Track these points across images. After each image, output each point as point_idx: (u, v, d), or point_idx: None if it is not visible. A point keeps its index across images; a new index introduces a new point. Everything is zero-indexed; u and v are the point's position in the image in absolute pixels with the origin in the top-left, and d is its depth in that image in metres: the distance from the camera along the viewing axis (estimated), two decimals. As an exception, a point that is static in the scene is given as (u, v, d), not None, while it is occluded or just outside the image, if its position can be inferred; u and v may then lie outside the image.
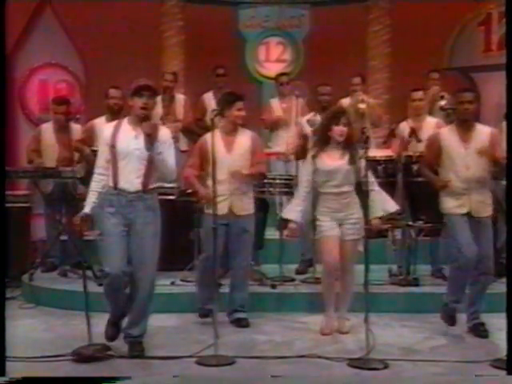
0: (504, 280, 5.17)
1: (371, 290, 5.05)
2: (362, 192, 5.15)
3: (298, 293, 6.12)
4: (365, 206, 5.10)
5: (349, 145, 5.25)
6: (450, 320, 5.30)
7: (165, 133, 4.78)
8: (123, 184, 4.63)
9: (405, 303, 5.99)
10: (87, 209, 4.69)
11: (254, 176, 5.51)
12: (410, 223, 6.16)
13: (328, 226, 5.22)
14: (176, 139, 6.96)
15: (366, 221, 5.08)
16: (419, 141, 6.15)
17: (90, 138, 6.47)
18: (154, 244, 4.71)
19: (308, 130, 6.52)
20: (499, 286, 5.55)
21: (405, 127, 6.52)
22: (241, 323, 5.49)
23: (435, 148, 5.32)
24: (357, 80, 7.57)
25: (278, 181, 6.27)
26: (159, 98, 7.30)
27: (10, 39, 7.60)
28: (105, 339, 4.77)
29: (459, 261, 5.15)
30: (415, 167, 5.96)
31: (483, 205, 5.22)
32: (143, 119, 4.61)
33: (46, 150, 6.92)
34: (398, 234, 6.49)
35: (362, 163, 5.17)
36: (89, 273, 6.04)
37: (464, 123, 5.24)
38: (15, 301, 6.23)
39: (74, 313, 5.52)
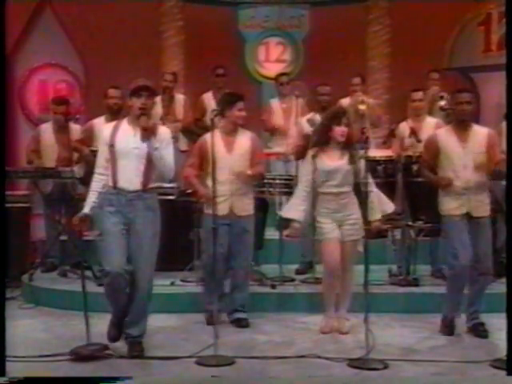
0: (504, 280, 5.18)
1: (371, 290, 5.05)
2: (361, 192, 5.16)
3: (298, 293, 6.12)
4: (362, 206, 5.10)
5: (348, 145, 5.26)
6: (448, 330, 5.30)
7: (164, 131, 4.79)
8: (123, 183, 4.64)
9: (405, 303, 5.98)
10: (86, 209, 4.69)
11: (256, 177, 5.53)
12: (410, 223, 6.16)
13: (329, 228, 5.22)
14: (176, 139, 6.97)
15: (365, 222, 5.08)
16: (419, 141, 6.14)
17: (89, 138, 6.47)
18: (153, 244, 4.71)
19: (308, 129, 6.51)
20: (499, 286, 5.55)
21: (405, 127, 6.52)
22: (241, 323, 5.49)
23: (433, 149, 5.32)
24: (356, 80, 7.57)
25: (277, 181, 6.27)
26: (159, 98, 7.32)
27: (9, 39, 7.60)
28: (107, 340, 4.76)
29: (454, 268, 5.18)
30: (415, 167, 5.96)
31: (482, 204, 5.22)
32: (141, 115, 4.62)
33: (45, 151, 6.92)
34: (397, 234, 6.49)
35: (362, 164, 5.18)
36: (89, 273, 6.06)
37: (461, 123, 5.25)
38: (15, 301, 6.22)
39: (74, 313, 5.51)
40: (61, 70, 9.35)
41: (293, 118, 7.37)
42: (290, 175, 6.50)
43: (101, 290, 4.86)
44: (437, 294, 5.64)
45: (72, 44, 9.30)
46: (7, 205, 6.11)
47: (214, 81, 8.01)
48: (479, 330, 5.23)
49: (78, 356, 4.61)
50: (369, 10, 9.62)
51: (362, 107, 6.36)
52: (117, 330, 4.79)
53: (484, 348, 4.98)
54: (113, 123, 4.86)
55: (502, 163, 5.06)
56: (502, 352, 4.48)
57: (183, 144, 7.70)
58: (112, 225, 4.62)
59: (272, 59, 10.19)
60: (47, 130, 6.98)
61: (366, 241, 4.97)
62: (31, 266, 6.71)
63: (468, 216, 5.18)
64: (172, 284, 6.15)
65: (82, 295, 4.87)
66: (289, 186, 6.18)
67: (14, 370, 4.27)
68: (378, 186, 5.39)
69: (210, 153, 5.00)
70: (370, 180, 5.18)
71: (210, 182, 5.05)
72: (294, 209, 5.34)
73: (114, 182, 4.65)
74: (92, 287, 5.60)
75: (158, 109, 7.36)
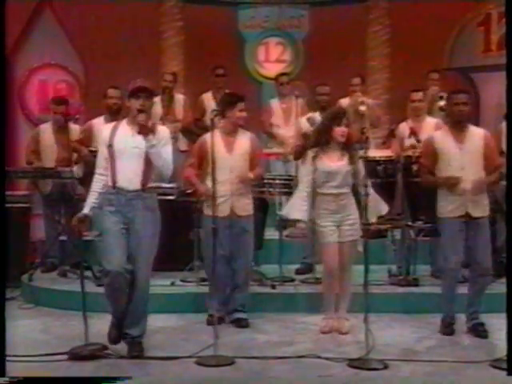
0: (504, 280, 5.18)
1: (371, 290, 5.06)
2: (358, 193, 5.17)
3: (298, 293, 6.11)
4: (359, 207, 5.11)
5: (348, 145, 5.26)
6: (448, 330, 5.30)
7: (163, 130, 4.81)
8: (122, 183, 4.64)
9: (404, 303, 5.98)
10: (86, 209, 4.70)
11: (257, 179, 5.55)
12: (410, 223, 6.16)
13: (329, 231, 5.21)
14: (175, 139, 6.98)
15: (364, 222, 5.07)
16: (419, 141, 6.14)
17: (88, 138, 6.47)
18: (152, 244, 4.71)
19: (307, 128, 6.51)
20: (499, 286, 5.55)
21: (404, 128, 6.52)
22: (241, 323, 5.49)
23: (431, 151, 5.32)
24: (356, 80, 7.57)
25: (277, 181, 6.27)
26: (159, 98, 7.32)
27: (9, 39, 7.61)
28: (108, 342, 4.75)
29: (444, 271, 5.27)
30: (415, 167, 5.96)
31: (480, 205, 5.21)
32: (139, 112, 4.61)
33: (44, 151, 6.91)
34: (397, 234, 6.49)
35: (360, 165, 5.18)
36: (89, 273, 6.05)
37: (458, 124, 5.25)
38: (14, 301, 6.22)
39: (74, 313, 5.49)
40: (60, 70, 9.35)
41: (293, 118, 7.38)
42: (289, 175, 6.51)
43: (100, 290, 4.86)
44: (436, 294, 5.62)
45: (72, 44, 9.31)
46: (7, 205, 6.10)
47: (214, 81, 8.01)
48: (479, 330, 5.23)
49: (76, 356, 4.62)
50: (369, 10, 9.61)
51: (363, 108, 6.37)
52: (117, 331, 4.78)
53: (484, 348, 4.98)
54: (112, 124, 4.87)
55: (502, 166, 5.08)
56: (502, 352, 4.48)
57: (183, 144, 7.70)
58: (112, 224, 4.62)
59: (272, 59, 10.18)
60: (46, 130, 6.98)
61: (366, 241, 4.97)
62: (31, 266, 6.72)
63: (467, 217, 5.18)
64: (172, 284, 6.15)
65: (81, 295, 4.87)
66: (288, 186, 6.19)
67: (14, 370, 4.26)
68: (378, 186, 5.40)
69: (210, 153, 5.00)
70: (368, 182, 5.18)
71: (209, 182, 5.05)
72: (297, 209, 5.32)
73: (114, 181, 4.65)
74: (92, 287, 5.60)
75: (158, 109, 7.37)
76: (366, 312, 4.77)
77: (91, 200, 4.70)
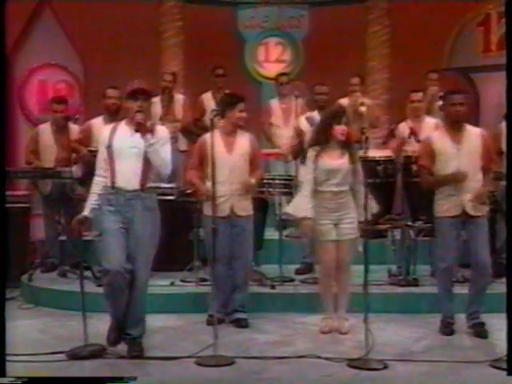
0: (504, 280, 5.17)
1: (370, 290, 5.05)
2: (356, 192, 5.18)
3: (298, 293, 6.11)
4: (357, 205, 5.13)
5: (347, 144, 5.26)
6: (448, 330, 5.31)
7: (162, 130, 4.82)
8: (121, 183, 4.64)
9: (404, 303, 5.98)
10: (86, 211, 4.71)
11: (259, 181, 5.57)
12: (410, 223, 6.15)
13: (327, 230, 5.22)
14: (175, 139, 6.97)
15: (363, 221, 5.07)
16: (418, 141, 6.14)
17: (86, 138, 6.48)
18: (151, 244, 4.71)
19: (307, 127, 6.51)
20: (499, 286, 5.54)
21: (404, 128, 6.52)
22: (240, 323, 5.49)
23: (429, 152, 5.32)
24: (355, 80, 7.57)
25: (277, 181, 6.27)
26: (158, 98, 7.32)
27: (9, 39, 7.59)
28: (107, 344, 4.75)
29: (438, 270, 5.31)
30: (414, 167, 5.95)
31: (477, 204, 5.21)
32: (137, 111, 4.62)
33: (44, 151, 6.91)
34: (397, 234, 6.49)
35: (359, 164, 5.19)
36: (88, 273, 6.05)
37: (455, 125, 5.26)
38: (14, 301, 6.22)
39: (73, 313, 5.49)
40: (60, 70, 9.35)
41: (292, 118, 7.37)
42: (289, 175, 6.51)
43: (100, 290, 4.86)
44: (436, 295, 5.62)
45: (71, 44, 9.31)
46: (7, 205, 6.10)
47: (214, 81, 8.00)
48: (479, 330, 5.23)
49: (76, 356, 4.61)
50: (368, 11, 9.60)
51: (363, 109, 6.37)
52: (117, 333, 4.78)
53: (484, 348, 4.99)
54: (111, 125, 4.88)
55: (499, 164, 5.09)
56: (502, 352, 4.48)
57: (183, 144, 7.69)
58: (111, 224, 4.63)
59: (272, 59, 10.18)
60: (46, 130, 6.97)
61: (366, 241, 4.97)
62: (31, 266, 6.71)
63: (464, 216, 5.18)
64: (172, 284, 6.15)
65: (81, 295, 4.87)
66: (288, 186, 6.19)
67: (14, 370, 4.26)
68: (378, 186, 5.39)
69: (210, 153, 5.00)
70: (362, 180, 5.18)
71: (209, 183, 5.05)
72: (302, 207, 5.28)
73: (113, 181, 4.66)
74: (91, 287, 5.60)
75: (158, 109, 7.36)
76: (365, 312, 4.77)
77: (91, 201, 4.70)
